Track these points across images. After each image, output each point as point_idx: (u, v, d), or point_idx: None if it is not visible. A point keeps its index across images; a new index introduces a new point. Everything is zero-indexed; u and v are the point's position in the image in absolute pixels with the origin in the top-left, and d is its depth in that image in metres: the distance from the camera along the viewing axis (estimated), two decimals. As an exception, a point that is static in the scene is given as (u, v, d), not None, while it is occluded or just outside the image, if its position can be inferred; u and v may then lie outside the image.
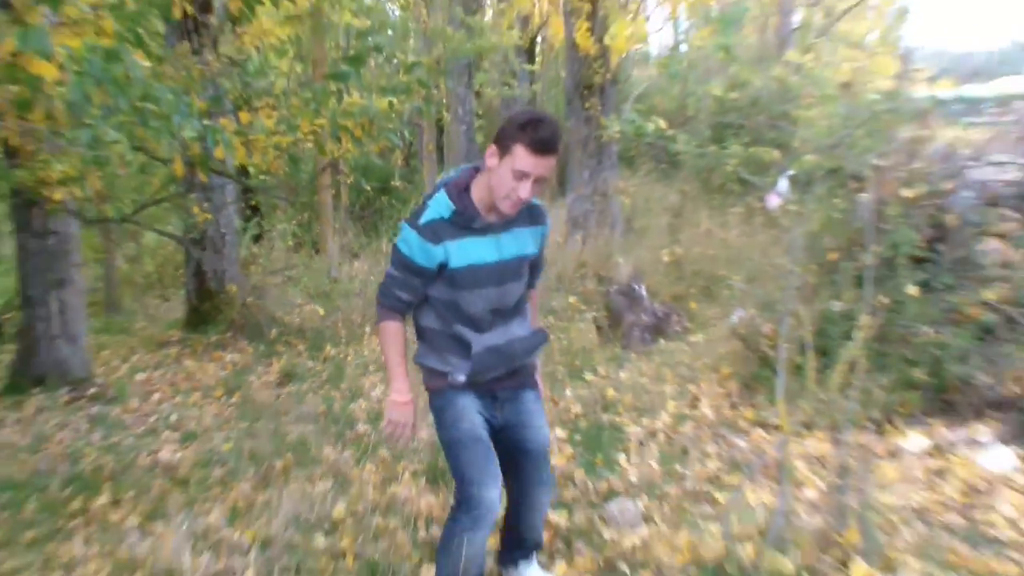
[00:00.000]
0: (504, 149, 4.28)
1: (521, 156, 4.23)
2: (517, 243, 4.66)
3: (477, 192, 4.48)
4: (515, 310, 4.79)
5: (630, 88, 23.11)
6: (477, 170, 4.54)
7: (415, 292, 4.60)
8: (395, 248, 4.55)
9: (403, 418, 4.72)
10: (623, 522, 6.21)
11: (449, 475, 5.57)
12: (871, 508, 5.23)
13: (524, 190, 4.30)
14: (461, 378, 4.70)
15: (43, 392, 10.70)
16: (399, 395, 4.71)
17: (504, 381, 4.84)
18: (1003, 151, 8.29)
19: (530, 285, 4.97)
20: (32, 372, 11.06)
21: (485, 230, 4.52)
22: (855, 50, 25.55)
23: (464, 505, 4.62)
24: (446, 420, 4.72)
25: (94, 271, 18.53)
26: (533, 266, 4.90)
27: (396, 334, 4.69)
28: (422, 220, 4.44)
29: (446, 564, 4.73)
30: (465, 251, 4.48)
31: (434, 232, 4.42)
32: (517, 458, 4.93)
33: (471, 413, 4.72)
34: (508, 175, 4.28)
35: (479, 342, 4.66)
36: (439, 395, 4.75)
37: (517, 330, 4.79)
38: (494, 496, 4.60)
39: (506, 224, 4.59)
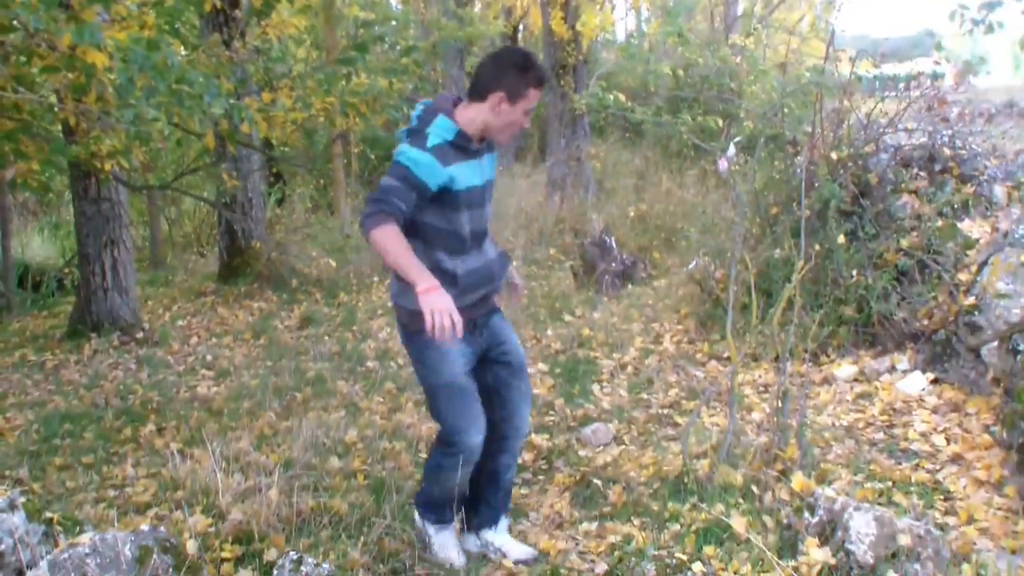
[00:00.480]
0: (516, 95, 4.11)
1: (533, 96, 4.15)
2: (490, 167, 4.44)
3: (464, 124, 4.18)
4: (486, 232, 4.48)
5: (598, 68, 22.98)
6: (455, 103, 4.29)
7: (410, 207, 4.03)
8: (397, 163, 4.07)
9: (443, 303, 3.82)
10: (596, 443, 6.23)
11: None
12: (808, 427, 5.23)
13: (527, 121, 4.24)
14: None
15: (98, 337, 10.71)
16: (427, 282, 3.86)
17: (479, 307, 4.44)
18: (914, 120, 8.31)
19: None
20: (89, 320, 11.08)
21: (475, 154, 4.26)
22: (789, 35, 25.49)
23: (449, 449, 4.45)
24: (430, 362, 4.31)
25: (141, 232, 18.47)
26: None
27: (400, 234, 3.94)
28: (430, 143, 4.07)
29: (432, 490, 4.64)
30: (464, 174, 4.19)
31: (443, 155, 4.08)
32: (501, 374, 4.60)
33: (453, 355, 4.31)
34: (520, 115, 4.18)
35: (463, 265, 4.28)
36: (421, 335, 3.98)
37: (489, 251, 4.48)
38: (477, 442, 4.42)
39: (482, 150, 4.33)
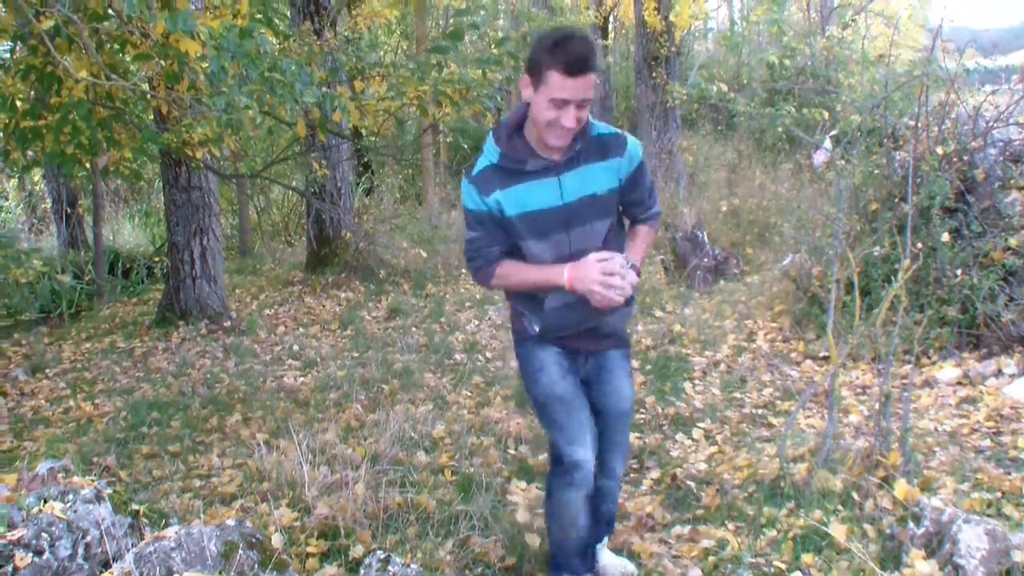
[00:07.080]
0: (537, 77, 3.44)
1: (556, 82, 3.38)
2: (587, 182, 3.69)
3: (530, 130, 3.65)
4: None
5: (691, 60, 22.81)
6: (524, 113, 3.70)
7: (503, 241, 3.73)
8: (464, 209, 3.77)
9: (591, 272, 3.53)
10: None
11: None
12: (910, 432, 5.06)
13: (568, 118, 3.44)
14: (534, 329, 3.90)
15: (186, 325, 10.83)
16: (560, 273, 3.62)
17: (582, 340, 3.97)
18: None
19: (636, 220, 4.05)
20: (177, 307, 11.21)
21: (542, 172, 3.65)
22: (887, 26, 25.09)
23: (559, 467, 3.96)
24: (527, 371, 3.97)
25: (229, 221, 18.66)
26: (630, 201, 3.95)
27: (509, 265, 3.76)
28: (475, 172, 3.68)
29: (553, 532, 4.14)
30: (519, 198, 3.65)
31: (486, 182, 3.65)
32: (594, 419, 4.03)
33: (550, 366, 3.91)
34: (545, 105, 3.44)
35: (549, 300, 3.81)
36: (522, 344, 3.99)
37: None
38: (585, 458, 3.86)
39: (571, 162, 3.66)
